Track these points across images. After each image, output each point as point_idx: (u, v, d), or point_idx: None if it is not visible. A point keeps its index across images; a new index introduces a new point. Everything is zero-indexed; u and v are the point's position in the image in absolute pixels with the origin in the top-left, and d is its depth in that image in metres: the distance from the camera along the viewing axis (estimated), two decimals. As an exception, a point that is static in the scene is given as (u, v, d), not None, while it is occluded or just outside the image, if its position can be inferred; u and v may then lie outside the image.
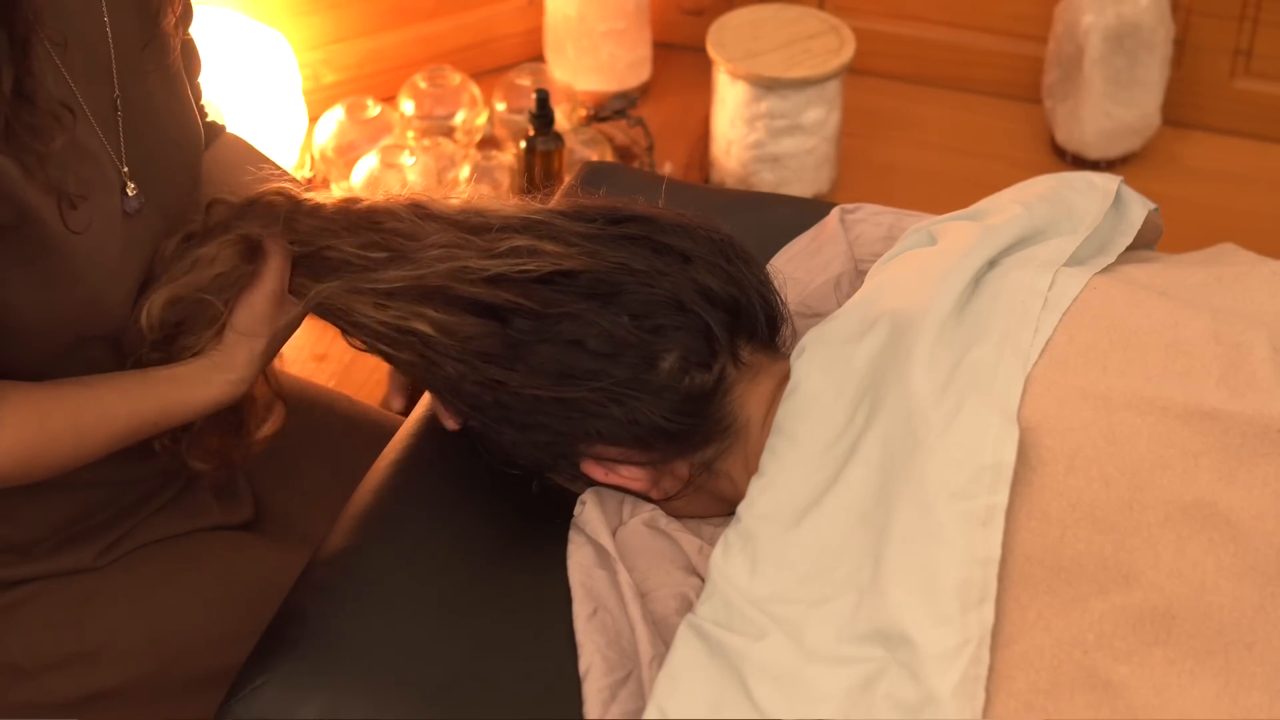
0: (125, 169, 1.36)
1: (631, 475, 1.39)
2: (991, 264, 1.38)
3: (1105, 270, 1.39)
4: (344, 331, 1.41)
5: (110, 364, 1.40)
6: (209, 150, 1.52)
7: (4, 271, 1.28)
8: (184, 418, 1.41)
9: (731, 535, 1.31)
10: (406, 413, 1.55)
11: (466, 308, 1.36)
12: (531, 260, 1.36)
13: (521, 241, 1.37)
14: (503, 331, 1.36)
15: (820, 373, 1.35)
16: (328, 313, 1.41)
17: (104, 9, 1.34)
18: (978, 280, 1.36)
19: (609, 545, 1.37)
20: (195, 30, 1.54)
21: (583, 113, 2.60)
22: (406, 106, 2.53)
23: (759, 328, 1.40)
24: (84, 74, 1.32)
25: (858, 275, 1.59)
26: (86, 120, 1.33)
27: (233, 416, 1.48)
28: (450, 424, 1.44)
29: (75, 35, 1.31)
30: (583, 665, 1.30)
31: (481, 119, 2.55)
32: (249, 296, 1.40)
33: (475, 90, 2.55)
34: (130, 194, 1.36)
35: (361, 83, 2.59)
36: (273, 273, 1.40)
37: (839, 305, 1.52)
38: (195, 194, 1.46)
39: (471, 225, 1.40)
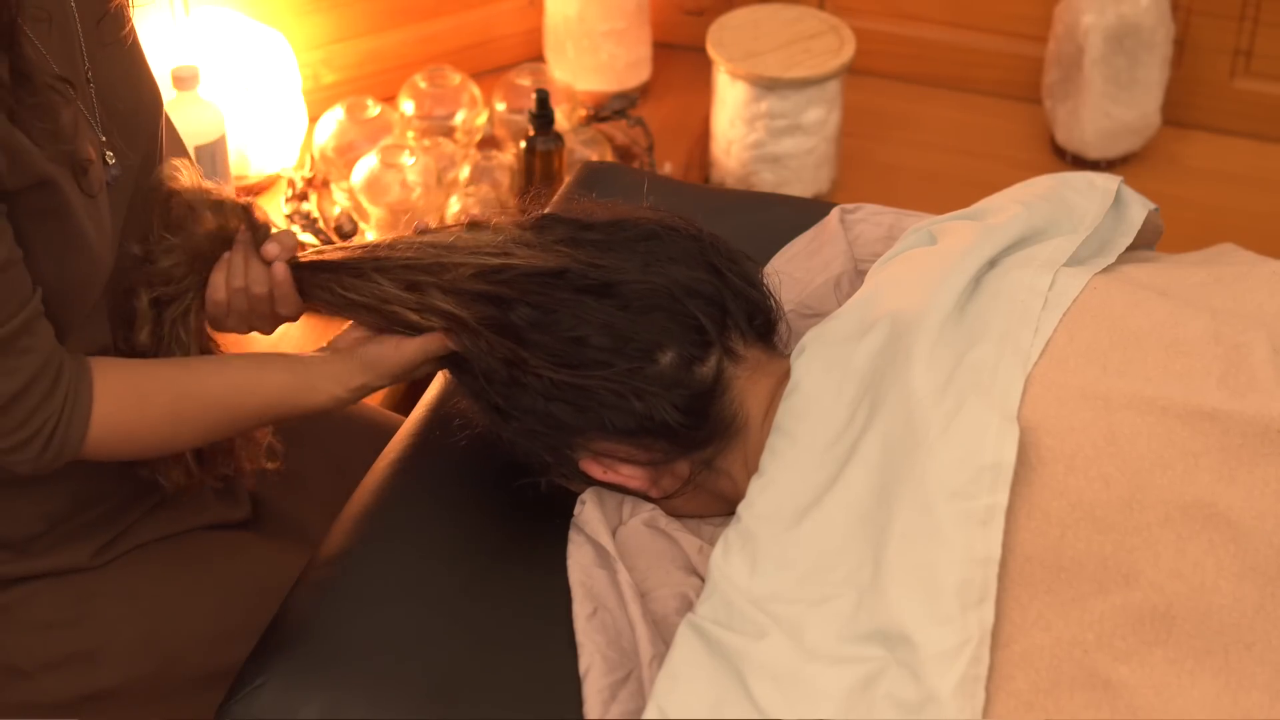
0: (103, 138, 1.37)
1: (631, 473, 1.39)
2: (992, 264, 1.38)
3: (1105, 270, 1.39)
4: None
5: (96, 339, 1.40)
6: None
7: (26, 240, 1.29)
8: (285, 417, 1.43)
9: (731, 535, 1.31)
10: None
11: (471, 295, 1.38)
12: (505, 258, 1.38)
13: (492, 254, 1.40)
14: (506, 317, 1.37)
15: (820, 372, 1.35)
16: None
17: None
18: (978, 280, 1.36)
19: (609, 545, 1.37)
20: (195, 29, 1.55)
21: (583, 113, 2.60)
22: (406, 106, 2.52)
23: (747, 322, 1.40)
24: (60, 49, 1.33)
25: (858, 275, 1.59)
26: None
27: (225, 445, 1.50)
28: None
29: (43, 16, 1.32)
30: (583, 665, 1.30)
31: (481, 119, 2.55)
32: (402, 344, 1.40)
33: (475, 90, 2.55)
34: (110, 162, 1.38)
35: (361, 83, 2.59)
36: (428, 341, 1.40)
37: (839, 305, 1.52)
38: (158, 159, 1.47)
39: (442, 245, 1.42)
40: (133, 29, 1.43)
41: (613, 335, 1.36)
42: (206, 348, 1.46)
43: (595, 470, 1.39)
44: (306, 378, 1.41)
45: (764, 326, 1.42)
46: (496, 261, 1.39)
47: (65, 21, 1.35)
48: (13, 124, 1.24)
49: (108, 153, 1.38)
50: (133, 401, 1.35)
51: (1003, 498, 1.22)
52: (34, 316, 1.29)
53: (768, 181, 2.60)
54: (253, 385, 1.40)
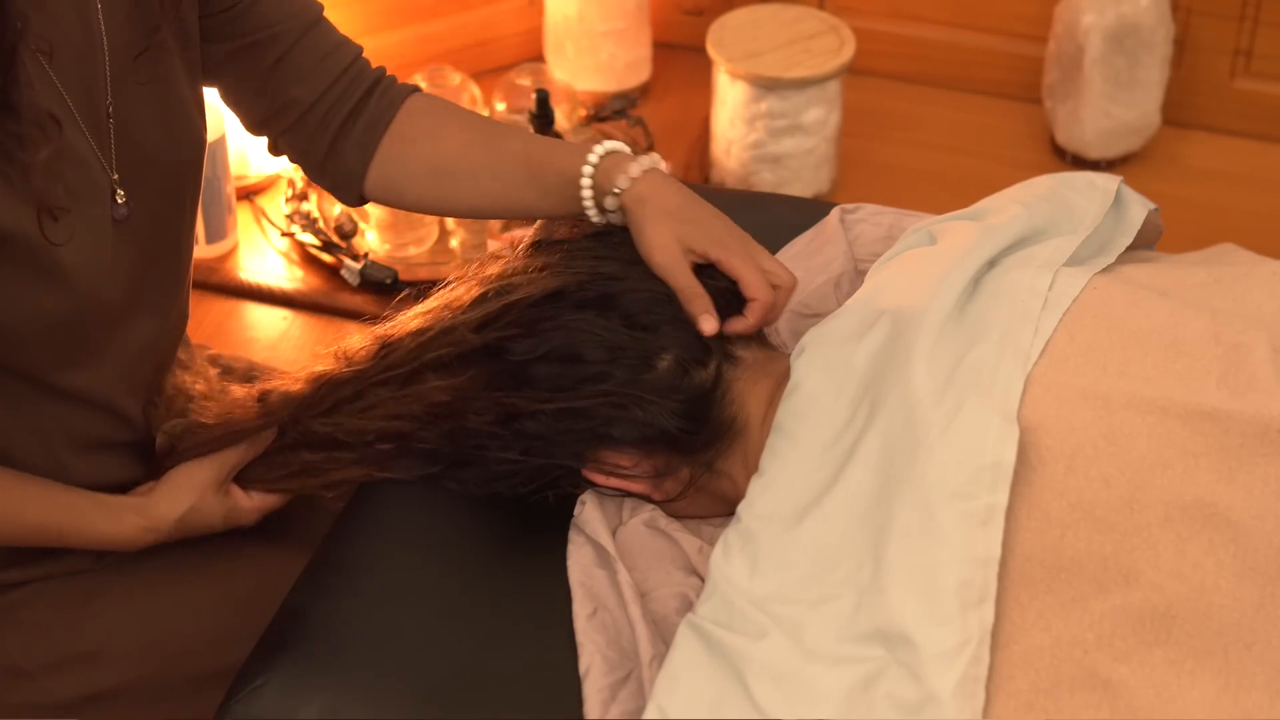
0: (115, 176, 1.36)
1: (633, 478, 1.39)
2: (991, 264, 1.38)
3: (1105, 270, 1.39)
4: (328, 469, 1.44)
5: (107, 381, 1.41)
6: (417, 117, 1.51)
7: None
8: (86, 542, 1.44)
9: (731, 535, 1.31)
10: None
11: (463, 362, 1.38)
12: (506, 296, 1.38)
13: (490, 290, 1.40)
14: (503, 361, 1.37)
15: (820, 372, 1.35)
16: (304, 463, 1.45)
17: (99, 17, 1.33)
18: (978, 280, 1.36)
19: (609, 545, 1.37)
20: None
21: (583, 113, 2.59)
22: (406, 106, 2.52)
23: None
24: (76, 81, 1.32)
25: (858, 275, 1.59)
26: (78, 128, 1.33)
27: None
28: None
29: (68, 43, 1.31)
30: (583, 665, 1.30)
31: (481, 119, 2.55)
32: (195, 465, 1.43)
33: (475, 90, 2.55)
34: (119, 201, 1.36)
35: (361, 83, 2.59)
36: (224, 457, 1.44)
37: (839, 305, 1.52)
38: (192, 203, 1.46)
39: (437, 310, 1.43)
40: (172, 70, 1.41)
41: (609, 347, 1.36)
42: None
43: (598, 477, 1.39)
44: (113, 504, 1.44)
45: None
46: (498, 304, 1.39)
47: (89, 53, 1.33)
48: None
49: (119, 191, 1.37)
50: None
51: (1002, 498, 1.22)
52: None
53: (768, 181, 2.60)
54: (63, 501, 1.42)
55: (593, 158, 1.42)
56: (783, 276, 1.40)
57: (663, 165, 1.43)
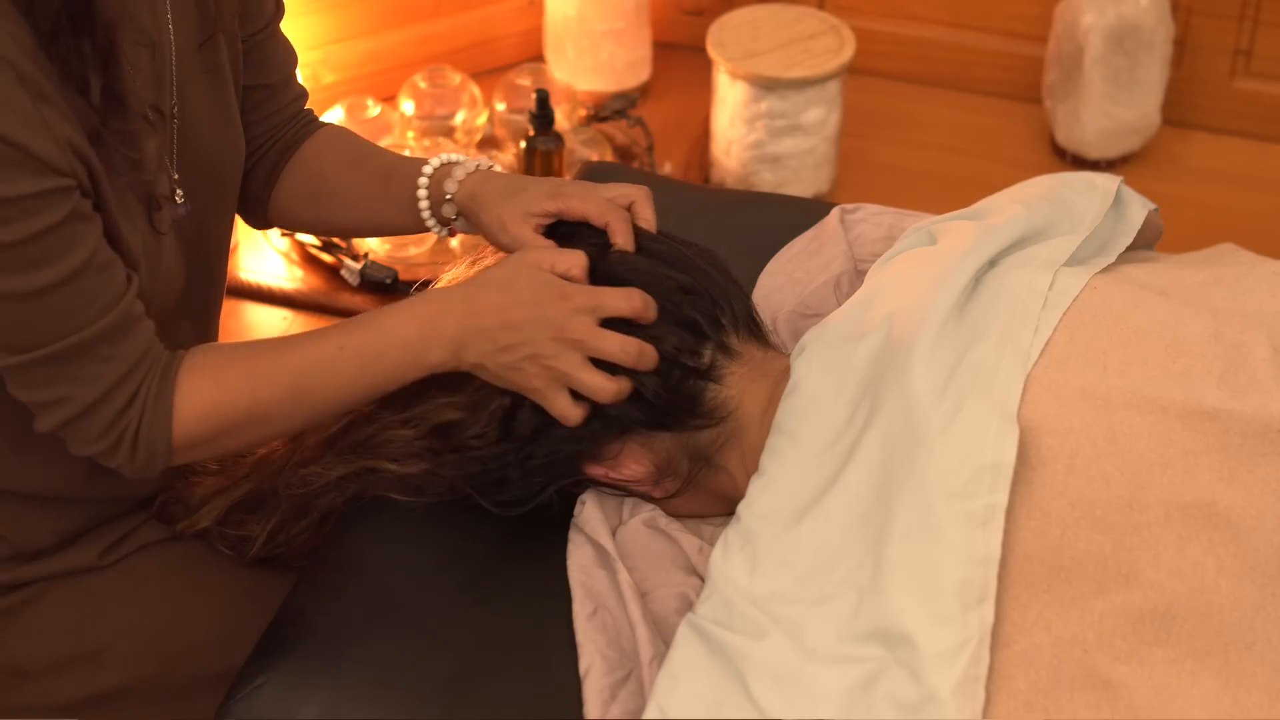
0: (175, 175, 1.36)
1: (633, 472, 1.39)
2: (991, 263, 1.38)
3: (1105, 270, 1.39)
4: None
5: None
6: (311, 144, 1.55)
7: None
8: (383, 337, 1.32)
9: (731, 535, 1.31)
10: None
11: (459, 376, 1.37)
12: None
13: None
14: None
15: (820, 371, 1.35)
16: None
17: (168, 12, 1.34)
18: (978, 280, 1.36)
19: (609, 545, 1.37)
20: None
21: (583, 113, 2.60)
22: (406, 106, 2.52)
23: (740, 315, 1.40)
24: (150, 80, 1.32)
25: (858, 275, 1.59)
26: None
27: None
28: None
29: (144, 40, 1.31)
30: (583, 665, 1.30)
31: (481, 119, 2.55)
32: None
33: (475, 90, 2.55)
34: (179, 200, 1.37)
35: (361, 83, 2.59)
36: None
37: (839, 305, 1.52)
38: (232, 210, 1.47)
39: None
40: (225, 64, 1.42)
41: None
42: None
43: (598, 472, 1.39)
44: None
45: (749, 319, 1.42)
46: None
47: (161, 52, 1.34)
48: (96, 148, 1.23)
49: (178, 191, 1.37)
50: (212, 381, 1.29)
51: (1002, 497, 1.22)
52: (120, 322, 1.26)
53: (768, 181, 2.60)
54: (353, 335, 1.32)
55: (427, 169, 1.47)
56: (631, 193, 1.43)
57: (497, 166, 1.48)
